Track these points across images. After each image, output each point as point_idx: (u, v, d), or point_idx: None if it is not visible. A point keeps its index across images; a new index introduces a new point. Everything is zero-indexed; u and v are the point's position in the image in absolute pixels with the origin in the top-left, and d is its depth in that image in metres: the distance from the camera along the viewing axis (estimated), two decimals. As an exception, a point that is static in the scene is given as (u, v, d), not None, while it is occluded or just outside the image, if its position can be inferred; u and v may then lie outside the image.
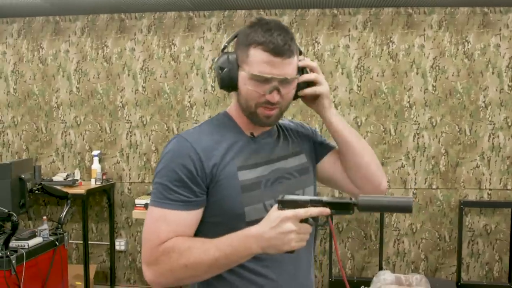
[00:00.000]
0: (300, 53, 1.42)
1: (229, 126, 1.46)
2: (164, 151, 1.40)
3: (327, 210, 1.21)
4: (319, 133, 1.65)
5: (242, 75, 1.36)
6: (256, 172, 1.41)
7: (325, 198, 1.23)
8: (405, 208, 1.23)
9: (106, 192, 4.61)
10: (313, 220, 1.22)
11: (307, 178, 1.52)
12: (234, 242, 1.24)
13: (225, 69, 1.38)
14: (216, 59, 1.42)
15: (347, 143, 1.49)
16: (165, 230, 1.32)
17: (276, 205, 1.22)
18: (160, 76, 4.63)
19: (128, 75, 4.66)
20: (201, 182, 1.35)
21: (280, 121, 1.60)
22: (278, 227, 1.18)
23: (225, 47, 1.42)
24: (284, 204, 1.22)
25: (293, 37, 1.37)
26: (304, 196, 1.24)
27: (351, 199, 1.24)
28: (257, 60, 1.32)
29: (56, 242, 3.36)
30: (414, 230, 4.47)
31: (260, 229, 1.21)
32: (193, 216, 1.36)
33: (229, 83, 1.39)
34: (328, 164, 1.59)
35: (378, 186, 1.52)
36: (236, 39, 1.42)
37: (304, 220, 1.20)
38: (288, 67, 1.34)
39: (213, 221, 1.38)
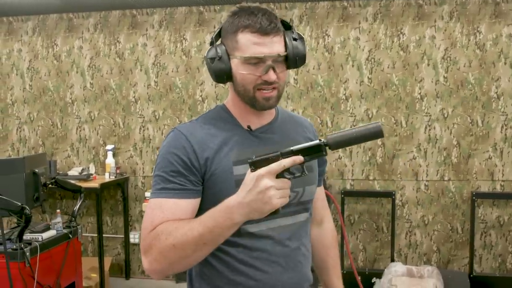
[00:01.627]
0: (289, 27, 1.43)
1: (226, 119, 1.47)
2: (162, 145, 1.44)
3: (299, 158, 1.19)
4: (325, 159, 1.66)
5: (235, 62, 1.38)
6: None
7: (294, 147, 1.21)
8: (376, 134, 1.21)
9: (120, 186, 4.69)
10: (289, 173, 1.20)
11: (310, 175, 1.46)
12: (215, 215, 1.23)
13: (215, 60, 1.39)
14: (205, 54, 1.43)
15: None
16: (159, 217, 1.33)
17: (249, 170, 1.21)
18: (172, 71, 4.68)
19: (141, 70, 4.72)
20: (196, 172, 1.37)
21: (287, 113, 1.61)
22: (255, 188, 1.17)
23: (212, 41, 1.42)
24: (256, 165, 1.19)
25: (277, 16, 1.38)
26: (273, 152, 1.21)
27: (320, 140, 1.22)
28: (247, 43, 1.34)
29: (70, 235, 3.42)
30: (426, 222, 4.46)
31: (238, 196, 1.20)
32: (189, 205, 1.36)
33: (222, 73, 1.40)
34: None
35: None
36: (221, 31, 1.43)
37: (280, 175, 1.18)
38: (278, 45, 1.36)
39: None
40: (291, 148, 1.21)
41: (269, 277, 1.42)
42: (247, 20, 1.34)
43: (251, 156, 1.37)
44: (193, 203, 1.38)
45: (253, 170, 1.19)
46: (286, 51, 1.38)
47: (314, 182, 1.55)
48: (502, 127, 4.31)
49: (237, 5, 1.41)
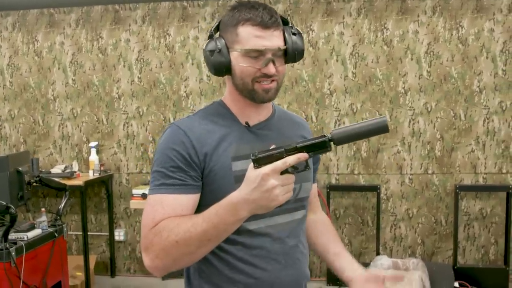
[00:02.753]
0: (287, 23, 1.44)
1: (224, 115, 1.46)
2: (160, 141, 1.43)
3: (304, 155, 1.19)
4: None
5: (235, 55, 1.38)
6: (249, 164, 1.42)
7: (299, 144, 1.19)
8: (381, 129, 1.20)
9: (104, 183, 4.64)
10: (293, 168, 1.19)
11: (306, 172, 1.46)
12: (220, 211, 1.23)
13: (214, 52, 1.39)
14: (204, 47, 1.43)
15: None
16: (160, 213, 1.32)
17: (251, 165, 1.20)
18: (156, 67, 4.64)
19: (124, 66, 4.67)
20: (196, 167, 1.36)
21: (284, 111, 1.62)
22: (261, 186, 1.16)
23: (211, 34, 1.43)
24: (259, 162, 1.18)
25: (277, 12, 1.40)
26: (277, 148, 1.20)
27: (324, 136, 1.21)
28: (248, 36, 1.35)
29: (55, 234, 3.38)
30: (410, 215, 4.51)
31: (242, 193, 1.20)
32: (189, 200, 1.36)
33: (221, 66, 1.40)
34: None
35: None
36: (219, 25, 1.44)
37: (284, 171, 1.18)
38: (278, 39, 1.37)
39: None
40: (296, 144, 1.20)
41: (268, 274, 1.42)
42: (248, 14, 1.36)
43: (249, 152, 1.36)
44: (194, 198, 1.37)
45: (256, 167, 1.18)
46: (285, 45, 1.39)
47: (310, 179, 1.56)
48: (484, 120, 4.37)
49: (236, 0, 1.42)
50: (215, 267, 1.41)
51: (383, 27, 4.41)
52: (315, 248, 1.66)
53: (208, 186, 1.38)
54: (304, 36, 4.42)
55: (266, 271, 1.42)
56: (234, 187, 1.28)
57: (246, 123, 1.45)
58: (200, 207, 1.37)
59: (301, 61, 4.42)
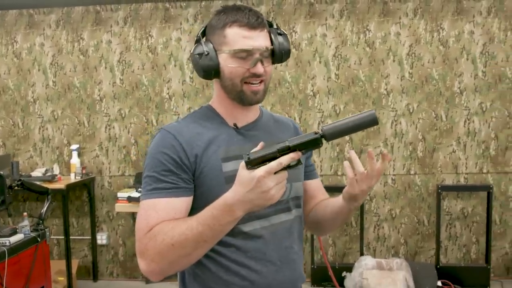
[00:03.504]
0: (271, 25, 1.46)
1: (212, 118, 1.47)
2: (150, 146, 1.43)
3: (297, 154, 1.20)
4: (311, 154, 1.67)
5: (223, 57, 1.39)
6: (240, 164, 1.41)
7: (291, 143, 1.19)
8: (371, 122, 1.21)
9: (86, 186, 4.58)
10: (286, 166, 1.19)
11: (297, 172, 1.50)
12: (215, 212, 1.23)
13: (203, 56, 1.40)
14: (191, 51, 1.44)
15: (339, 218, 1.53)
16: (154, 217, 1.32)
17: (242, 163, 1.19)
18: (138, 68, 4.60)
19: (105, 67, 4.62)
20: (187, 170, 1.37)
21: (271, 114, 1.63)
22: (257, 188, 1.17)
23: (199, 39, 1.44)
24: (252, 163, 1.18)
25: (261, 13, 1.42)
26: (269, 149, 1.20)
27: (315, 133, 1.22)
28: (236, 37, 1.37)
29: (38, 238, 3.33)
30: (393, 216, 4.54)
31: (237, 194, 1.20)
32: (182, 203, 1.36)
33: (210, 69, 1.41)
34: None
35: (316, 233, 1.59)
36: (206, 29, 1.46)
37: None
38: (264, 39, 1.40)
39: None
40: (288, 143, 1.20)
41: (264, 276, 1.42)
42: (235, 16, 1.38)
43: (238, 153, 1.39)
44: (187, 201, 1.37)
45: (250, 168, 1.18)
46: (272, 45, 1.42)
47: (300, 179, 1.56)
48: (465, 121, 4.43)
49: (222, 6, 1.44)
50: (210, 270, 1.41)
51: (365, 29, 4.44)
52: (327, 217, 1.58)
53: (200, 188, 1.38)
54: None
55: (262, 273, 1.42)
56: (225, 187, 1.29)
57: (235, 124, 1.46)
58: (193, 210, 1.36)
59: (284, 62, 4.45)
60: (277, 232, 1.45)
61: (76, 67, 4.64)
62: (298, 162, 1.22)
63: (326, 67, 4.49)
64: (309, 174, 1.66)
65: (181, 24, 4.54)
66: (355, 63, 4.46)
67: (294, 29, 4.48)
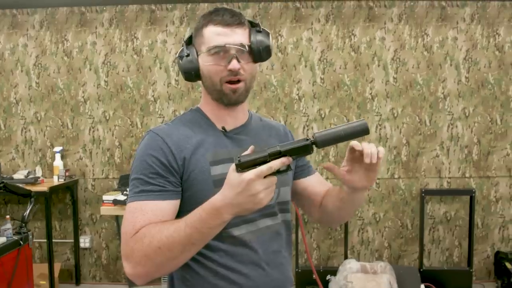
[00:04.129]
0: (255, 25, 1.47)
1: (201, 121, 1.48)
2: (138, 148, 1.42)
3: (288, 159, 1.19)
4: None
5: (202, 57, 1.42)
6: (228, 168, 1.40)
7: (282, 148, 1.19)
8: (362, 131, 1.24)
9: (69, 189, 4.53)
10: (276, 172, 1.19)
11: (284, 177, 1.49)
12: (203, 215, 1.22)
13: (184, 58, 1.43)
14: (177, 55, 1.47)
15: (351, 206, 1.53)
16: (141, 220, 1.31)
17: (232, 167, 1.19)
18: (123, 70, 4.57)
19: (90, 69, 4.58)
20: (175, 173, 1.36)
21: (260, 117, 1.64)
22: (246, 191, 1.16)
23: (184, 43, 1.48)
24: (243, 166, 1.17)
25: (241, 13, 1.44)
26: (259, 152, 1.20)
27: (307, 139, 1.22)
28: (210, 35, 1.40)
29: (21, 242, 3.29)
30: (377, 219, 4.57)
31: (226, 197, 1.19)
32: (170, 206, 1.35)
33: (190, 70, 1.43)
34: (301, 186, 1.63)
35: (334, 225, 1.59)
36: (193, 34, 1.49)
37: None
38: (241, 36, 1.40)
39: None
40: (279, 148, 1.20)
41: (252, 280, 1.42)
42: (211, 16, 1.42)
43: (226, 156, 1.40)
44: (174, 204, 1.37)
45: (240, 171, 1.18)
46: (249, 43, 1.43)
47: (288, 184, 1.57)
48: (449, 126, 4.48)
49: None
50: (199, 274, 1.41)
51: (351, 34, 4.47)
52: (328, 202, 1.58)
53: (188, 191, 1.38)
54: (273, 41, 4.44)
55: (250, 276, 1.42)
56: (213, 191, 1.29)
57: (223, 128, 1.47)
58: (180, 214, 1.36)
59: (270, 66, 4.47)
60: (265, 237, 1.46)
61: (60, 68, 4.59)
62: (288, 168, 1.22)
63: (312, 71, 4.51)
64: (306, 171, 1.67)
65: (166, 26, 4.52)
66: (340, 68, 4.49)
67: (280, 33, 4.49)
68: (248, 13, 4.47)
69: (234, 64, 1.38)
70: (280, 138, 1.61)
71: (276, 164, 1.18)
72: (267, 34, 1.46)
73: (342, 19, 4.46)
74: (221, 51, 1.38)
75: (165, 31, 4.52)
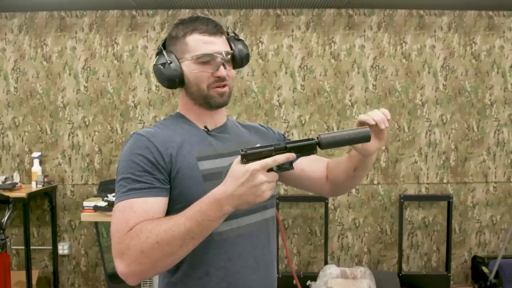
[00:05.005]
0: (228, 33, 1.54)
1: (183, 123, 1.51)
2: (123, 150, 1.43)
3: (293, 155, 1.22)
4: (287, 139, 1.69)
5: (186, 64, 1.45)
6: (215, 163, 1.44)
7: (288, 144, 1.23)
8: (364, 138, 1.29)
9: (48, 195, 4.48)
10: (278, 167, 1.22)
11: None
12: (203, 207, 1.22)
13: (166, 65, 1.45)
14: (154, 62, 1.49)
15: (364, 171, 1.56)
16: (133, 217, 1.30)
17: (237, 159, 1.21)
18: (103, 76, 4.54)
19: (69, 74, 4.54)
20: (162, 170, 1.37)
21: (241, 121, 1.68)
22: (248, 182, 1.17)
23: (160, 50, 1.50)
24: (248, 157, 1.19)
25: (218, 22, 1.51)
26: (266, 146, 1.23)
27: (312, 139, 1.26)
28: (197, 43, 1.44)
29: (-1, 248, 3.24)
30: (357, 225, 4.61)
31: (229, 188, 1.19)
32: (159, 202, 1.34)
33: (174, 77, 1.46)
34: (297, 170, 1.63)
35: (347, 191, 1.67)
36: (166, 41, 1.52)
37: (270, 169, 1.20)
38: (224, 44, 1.47)
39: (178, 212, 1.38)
40: (285, 144, 1.23)
41: (240, 278, 1.43)
42: (194, 24, 1.46)
43: (211, 153, 1.44)
44: (163, 201, 1.36)
45: (244, 163, 1.19)
46: (232, 50, 1.49)
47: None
48: (427, 132, 4.55)
49: (179, 19, 1.52)
50: (187, 274, 1.41)
51: (331, 41, 4.51)
52: (339, 174, 1.61)
53: (177, 188, 1.38)
54: (254, 48, 4.48)
55: (238, 273, 1.42)
56: (203, 185, 1.33)
57: (205, 127, 1.51)
58: (168, 213, 1.36)
59: (250, 72, 4.49)
60: (253, 232, 1.47)
61: (39, 73, 4.54)
62: (290, 165, 1.25)
63: (292, 77, 4.54)
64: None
65: (147, 32, 4.51)
66: (320, 75, 4.53)
67: (260, 39, 4.52)
68: (229, 20, 4.49)
69: (222, 71, 1.44)
70: (260, 134, 1.65)
71: (281, 158, 1.20)
72: (244, 42, 1.54)
73: (322, 26, 4.51)
74: (209, 59, 1.43)
75: (146, 37, 4.51)
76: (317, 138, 1.27)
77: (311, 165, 1.65)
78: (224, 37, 1.49)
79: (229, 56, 1.46)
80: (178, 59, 1.45)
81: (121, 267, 1.27)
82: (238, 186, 1.18)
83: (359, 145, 1.42)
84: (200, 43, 1.43)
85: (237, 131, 1.60)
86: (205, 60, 1.43)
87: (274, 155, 1.21)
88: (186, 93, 1.50)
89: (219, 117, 1.55)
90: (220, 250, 1.40)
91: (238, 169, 1.19)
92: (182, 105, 1.54)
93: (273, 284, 1.54)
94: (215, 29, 1.45)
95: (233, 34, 1.53)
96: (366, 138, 1.29)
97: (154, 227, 1.25)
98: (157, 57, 1.49)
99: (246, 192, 1.18)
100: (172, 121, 1.52)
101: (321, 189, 1.67)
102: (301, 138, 1.28)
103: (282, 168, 1.23)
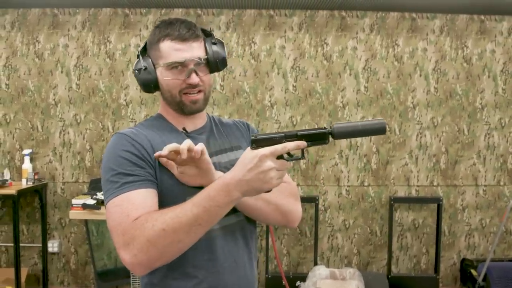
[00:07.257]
0: (209, 34, 1.52)
1: (163, 125, 1.52)
2: (106, 151, 1.42)
3: (303, 143, 1.21)
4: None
5: (160, 70, 1.45)
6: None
7: (300, 131, 1.21)
8: (380, 130, 1.23)
9: (38, 192, 4.46)
10: (288, 155, 1.20)
11: None
12: (211, 193, 1.22)
13: (141, 70, 1.46)
14: (133, 67, 1.50)
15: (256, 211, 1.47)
16: (133, 209, 1.28)
17: (249, 147, 1.21)
18: (95, 74, 4.54)
19: (61, 72, 4.54)
20: (150, 165, 1.38)
21: (219, 118, 1.67)
22: (257, 167, 1.17)
23: (138, 54, 1.50)
24: (258, 143, 1.19)
25: (196, 25, 1.48)
26: (277, 132, 1.22)
27: (325, 128, 1.23)
28: (168, 50, 1.43)
29: (-14, 245, 3.23)
30: (347, 226, 4.62)
31: (238, 174, 1.19)
32: (153, 194, 1.35)
33: (149, 83, 1.47)
34: None
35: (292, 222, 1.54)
36: (146, 45, 1.52)
37: (279, 156, 1.18)
38: (197, 50, 1.45)
39: None
40: (297, 132, 1.22)
41: (220, 278, 1.43)
42: (166, 30, 1.44)
43: None
44: (156, 194, 1.36)
45: (254, 148, 1.19)
46: (206, 55, 1.47)
47: None
48: (418, 135, 4.57)
49: (159, 20, 1.51)
50: (166, 276, 1.41)
51: (323, 43, 4.53)
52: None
53: (163, 184, 1.38)
54: (246, 48, 4.48)
55: (218, 274, 1.42)
56: (184, 186, 1.33)
57: (184, 129, 1.51)
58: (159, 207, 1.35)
59: (243, 72, 4.50)
60: (233, 232, 1.47)
61: (31, 70, 4.53)
62: (302, 155, 1.24)
63: (284, 78, 4.55)
64: None
65: (140, 30, 4.51)
66: (312, 76, 4.54)
67: (253, 40, 4.52)
68: (222, 20, 4.50)
69: (193, 79, 1.43)
70: (242, 131, 1.65)
71: (291, 145, 1.20)
72: (222, 44, 1.51)
73: (315, 28, 4.52)
74: (179, 66, 1.43)
75: (139, 35, 4.51)
76: (330, 127, 1.24)
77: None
78: (199, 41, 1.46)
79: (202, 62, 1.44)
80: (154, 65, 1.46)
81: (127, 258, 1.25)
82: (246, 172, 1.18)
83: (182, 180, 1.37)
84: (172, 50, 1.42)
85: (218, 130, 1.59)
86: (177, 67, 1.43)
87: (285, 142, 1.20)
88: (162, 98, 1.52)
89: (198, 120, 1.56)
90: (200, 251, 1.39)
91: (247, 155, 1.20)
92: (161, 107, 1.56)
93: (253, 284, 1.54)
94: (188, 34, 1.43)
95: (210, 36, 1.51)
96: (381, 130, 1.23)
97: (160, 216, 1.24)
98: (136, 60, 1.50)
99: (254, 178, 1.18)
100: (152, 122, 1.54)
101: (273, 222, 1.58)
102: (315, 127, 1.26)
103: (293, 157, 1.22)
